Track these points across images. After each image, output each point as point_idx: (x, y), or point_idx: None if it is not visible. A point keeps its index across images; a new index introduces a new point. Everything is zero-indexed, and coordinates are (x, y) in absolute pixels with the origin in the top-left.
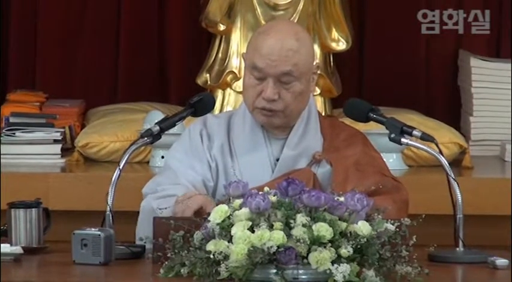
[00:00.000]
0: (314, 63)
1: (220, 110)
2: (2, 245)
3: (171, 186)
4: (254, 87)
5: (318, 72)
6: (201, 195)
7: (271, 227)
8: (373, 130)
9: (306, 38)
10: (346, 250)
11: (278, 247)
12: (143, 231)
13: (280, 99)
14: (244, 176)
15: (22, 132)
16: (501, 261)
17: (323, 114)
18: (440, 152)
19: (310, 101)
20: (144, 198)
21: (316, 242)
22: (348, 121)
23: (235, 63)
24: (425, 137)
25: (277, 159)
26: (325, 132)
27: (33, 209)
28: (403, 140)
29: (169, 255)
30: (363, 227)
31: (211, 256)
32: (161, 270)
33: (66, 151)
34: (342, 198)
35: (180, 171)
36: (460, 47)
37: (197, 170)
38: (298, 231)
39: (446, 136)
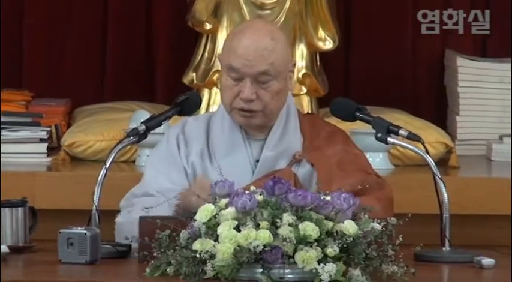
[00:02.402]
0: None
1: (207, 109)
2: None
3: (146, 198)
4: (231, 88)
5: (304, 71)
6: (200, 179)
7: (257, 226)
8: (360, 129)
9: (281, 36)
10: (332, 249)
11: (264, 246)
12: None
13: (259, 99)
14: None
15: (8, 131)
16: (487, 261)
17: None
18: (427, 152)
19: (288, 100)
20: (121, 211)
21: (303, 241)
22: (334, 120)
23: None
24: (412, 137)
25: (257, 161)
26: (305, 131)
27: (19, 208)
28: (389, 139)
29: (155, 254)
30: (349, 226)
31: (198, 255)
32: (147, 270)
33: (52, 150)
34: (328, 198)
35: (156, 180)
36: (447, 46)
37: (174, 180)
38: (284, 231)
39: (432, 135)
